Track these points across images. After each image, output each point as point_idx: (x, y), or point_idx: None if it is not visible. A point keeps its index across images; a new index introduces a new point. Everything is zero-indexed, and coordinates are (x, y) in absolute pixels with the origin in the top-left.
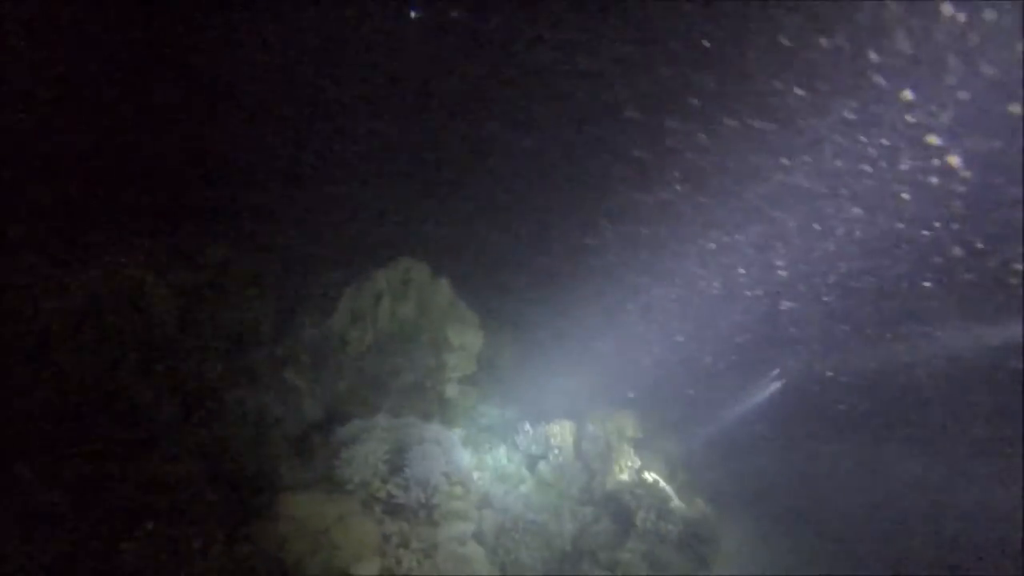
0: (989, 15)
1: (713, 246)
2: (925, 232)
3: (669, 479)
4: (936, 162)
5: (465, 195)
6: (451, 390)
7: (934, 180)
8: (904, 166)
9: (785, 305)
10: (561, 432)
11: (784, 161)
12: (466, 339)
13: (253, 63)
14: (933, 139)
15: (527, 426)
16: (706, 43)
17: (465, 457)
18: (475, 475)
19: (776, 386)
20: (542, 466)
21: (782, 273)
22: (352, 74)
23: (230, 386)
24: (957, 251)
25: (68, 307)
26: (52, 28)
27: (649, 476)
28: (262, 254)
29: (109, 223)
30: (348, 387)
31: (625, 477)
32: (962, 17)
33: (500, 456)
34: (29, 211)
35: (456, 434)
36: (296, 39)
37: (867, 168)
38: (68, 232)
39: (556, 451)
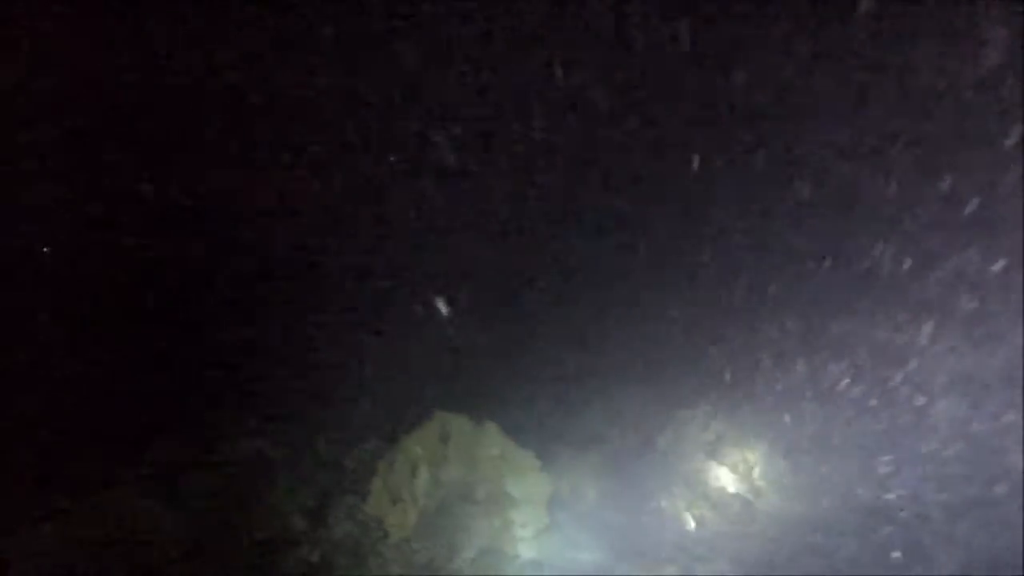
0: None
1: None
2: None
3: None
4: None
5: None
6: (528, 551)
7: None
8: None
9: None
10: None
11: None
12: (529, 488)
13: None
14: None
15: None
16: None
17: None
18: None
19: None
20: None
21: None
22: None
23: None
24: None
25: (50, 552)
26: None
27: None
28: (293, 438)
29: (117, 430)
30: None
31: None
32: None
33: None
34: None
35: None
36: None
37: None
38: (72, 453)
39: None
